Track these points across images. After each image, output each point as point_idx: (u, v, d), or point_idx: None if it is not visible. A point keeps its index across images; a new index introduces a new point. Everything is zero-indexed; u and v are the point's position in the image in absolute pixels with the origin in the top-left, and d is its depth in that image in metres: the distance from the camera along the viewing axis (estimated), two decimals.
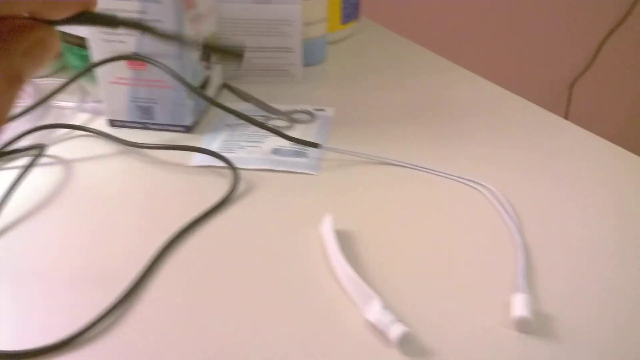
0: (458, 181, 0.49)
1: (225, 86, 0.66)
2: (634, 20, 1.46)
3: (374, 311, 0.34)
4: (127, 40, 0.53)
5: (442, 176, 0.50)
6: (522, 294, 0.35)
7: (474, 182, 0.48)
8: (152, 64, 0.53)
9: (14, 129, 0.57)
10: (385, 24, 0.88)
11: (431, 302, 0.36)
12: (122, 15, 0.22)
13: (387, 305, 0.35)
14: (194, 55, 0.56)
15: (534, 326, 0.34)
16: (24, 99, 0.63)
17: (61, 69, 0.73)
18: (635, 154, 0.53)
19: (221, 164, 0.52)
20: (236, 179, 0.49)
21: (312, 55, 0.73)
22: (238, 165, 0.51)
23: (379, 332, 0.34)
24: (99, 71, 0.56)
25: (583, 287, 0.37)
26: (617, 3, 1.44)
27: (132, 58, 0.53)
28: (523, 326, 0.33)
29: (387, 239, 0.42)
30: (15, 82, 0.20)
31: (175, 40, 0.21)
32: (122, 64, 0.55)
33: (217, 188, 0.49)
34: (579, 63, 1.51)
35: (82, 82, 0.67)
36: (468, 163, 0.52)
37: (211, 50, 0.22)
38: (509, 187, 0.48)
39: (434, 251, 0.41)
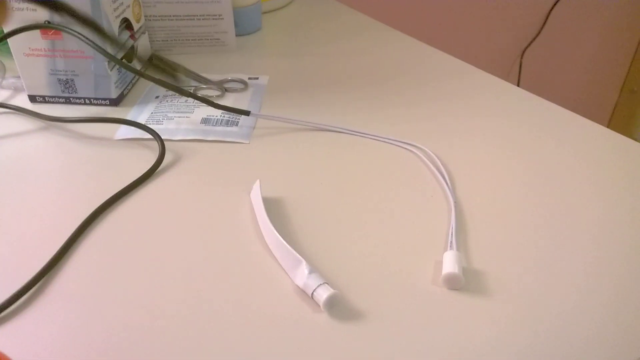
0: (391, 144, 0.47)
1: (155, 57, 0.62)
2: None
3: (302, 275, 0.32)
4: (38, 8, 0.49)
5: (375, 139, 0.47)
6: (451, 251, 0.33)
7: (407, 144, 0.46)
8: (66, 32, 0.49)
9: None
10: None
11: (362, 265, 0.34)
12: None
13: (317, 270, 0.33)
14: (113, 24, 0.51)
15: (463, 283, 0.32)
16: None
17: None
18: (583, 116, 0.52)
19: (147, 136, 0.48)
20: (162, 150, 0.45)
21: (246, 24, 0.69)
22: (165, 136, 0.48)
23: (308, 297, 0.32)
24: (12, 44, 0.51)
25: (512, 243, 0.36)
26: None
27: (44, 27, 0.49)
28: (452, 283, 0.32)
29: (319, 203, 0.40)
30: None
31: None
32: (36, 34, 0.50)
33: (143, 161, 0.45)
34: (529, 31, 1.51)
35: (1, 58, 0.62)
36: (403, 126, 0.50)
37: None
38: (444, 148, 0.46)
39: (365, 213, 0.39)
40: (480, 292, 0.32)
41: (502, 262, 0.34)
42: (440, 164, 0.43)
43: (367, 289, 0.32)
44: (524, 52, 1.54)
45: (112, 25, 0.51)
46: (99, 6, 0.48)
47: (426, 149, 0.45)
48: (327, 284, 0.31)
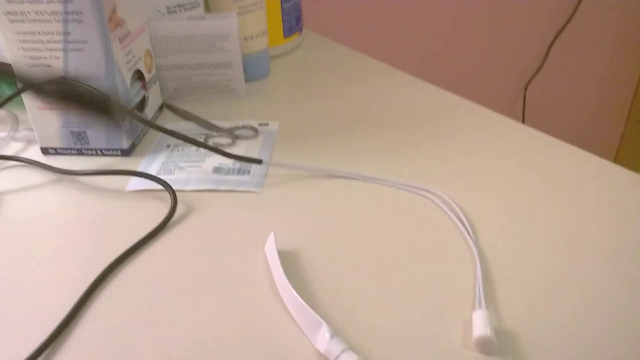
0: (407, 190, 0.44)
1: (165, 106, 0.61)
2: (579, 20, 1.46)
3: (323, 340, 0.29)
4: (53, 64, 0.47)
5: (390, 185, 0.45)
6: (481, 310, 0.30)
7: (424, 190, 0.44)
8: (80, 87, 0.47)
9: None
10: (329, 35, 0.83)
11: (386, 327, 0.31)
12: None
13: (338, 331, 0.30)
14: (126, 75, 0.50)
15: (497, 346, 0.29)
16: None
17: None
18: (590, 152, 0.49)
19: (159, 187, 0.46)
20: (174, 202, 0.43)
21: (255, 70, 0.67)
22: (177, 187, 0.46)
23: None
24: (26, 98, 0.49)
25: (544, 298, 0.33)
26: (562, 4, 1.43)
27: (60, 83, 0.47)
28: (485, 347, 0.29)
29: (336, 256, 0.37)
30: None
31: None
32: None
33: (155, 213, 0.43)
34: (531, 65, 1.50)
35: (13, 109, 0.60)
36: (417, 171, 0.47)
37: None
38: (461, 194, 0.44)
39: (385, 267, 0.36)
40: (515, 356, 0.29)
41: (536, 320, 0.31)
42: (458, 211, 0.41)
43: (393, 355, 0.29)
44: (527, 85, 1.52)
45: (125, 78, 0.49)
46: (112, 61, 0.47)
47: (442, 195, 0.43)
48: (351, 350, 0.28)
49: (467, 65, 1.43)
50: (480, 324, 0.29)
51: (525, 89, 1.54)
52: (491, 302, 0.32)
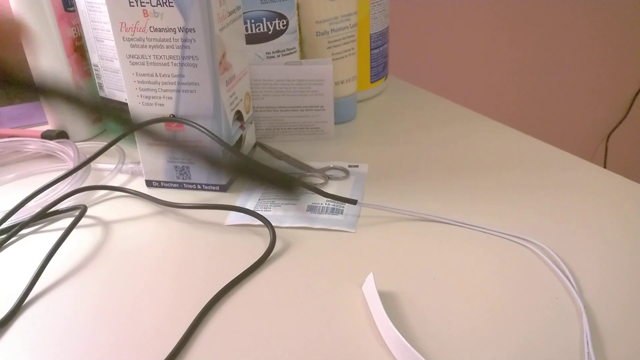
0: (505, 238, 0.44)
1: (259, 145, 0.64)
2: None
3: None
4: (165, 103, 0.51)
5: (487, 233, 0.45)
6: None
7: (522, 239, 0.44)
8: (188, 125, 0.51)
9: (56, 191, 0.54)
10: (413, 81, 0.85)
11: None
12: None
13: None
14: (229, 116, 0.53)
15: None
16: (65, 161, 0.62)
17: (101, 133, 0.71)
18: None
19: (257, 222, 0.48)
20: (273, 237, 0.45)
21: (343, 113, 0.70)
22: (274, 223, 0.48)
23: None
24: (138, 134, 0.53)
25: None
26: None
27: (170, 120, 0.51)
28: None
29: (434, 300, 0.38)
30: None
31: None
32: (160, 126, 0.52)
33: (253, 247, 0.45)
34: (614, 115, 1.47)
35: (120, 144, 0.65)
36: (512, 219, 0.47)
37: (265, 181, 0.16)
38: (560, 243, 0.43)
39: (486, 314, 0.36)
40: None
41: None
42: (559, 261, 0.40)
43: None
44: (609, 136, 1.48)
45: (229, 118, 0.53)
46: (219, 102, 0.50)
47: (541, 244, 0.42)
48: None
49: (549, 115, 1.41)
50: None
51: (608, 139, 1.50)
52: (600, 357, 0.32)
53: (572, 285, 0.37)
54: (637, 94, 1.43)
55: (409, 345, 0.31)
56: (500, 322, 0.35)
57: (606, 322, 0.35)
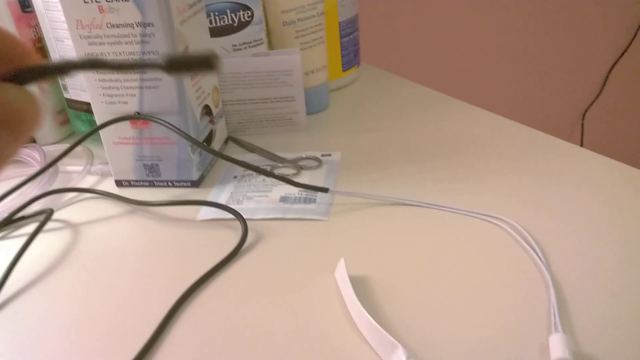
0: (475, 217, 0.45)
1: (230, 139, 0.64)
2: (637, 48, 1.44)
3: None
4: (129, 101, 0.51)
5: (458, 213, 0.46)
6: (558, 334, 0.30)
7: (492, 217, 0.45)
8: (155, 122, 0.51)
9: (22, 196, 0.54)
10: (386, 67, 0.86)
11: (461, 350, 0.32)
12: (71, 59, 0.16)
13: (412, 355, 0.31)
14: (196, 111, 0.53)
15: None
16: (33, 166, 0.61)
17: (70, 135, 0.71)
18: None
19: (229, 216, 0.49)
20: (245, 230, 0.45)
21: (315, 103, 0.70)
22: (246, 216, 0.48)
23: None
24: (104, 133, 0.53)
25: (623, 323, 0.33)
26: (621, 31, 1.42)
27: (134, 118, 0.51)
28: None
29: (406, 282, 0.38)
30: None
31: (151, 67, 0.16)
32: (125, 124, 0.52)
33: (225, 241, 0.45)
34: (589, 93, 1.48)
35: (88, 145, 0.65)
36: (484, 198, 0.48)
37: (179, 66, 0.16)
38: (530, 220, 0.44)
39: (457, 293, 0.37)
40: None
41: (615, 345, 0.31)
42: (528, 236, 0.41)
43: None
44: (585, 113, 1.50)
45: (195, 113, 0.53)
46: (184, 97, 0.50)
47: (511, 221, 0.43)
48: None
49: (524, 93, 1.43)
50: (558, 347, 0.29)
51: (583, 117, 1.52)
52: (567, 327, 0.33)
53: (541, 260, 0.38)
54: (610, 71, 1.45)
55: (378, 326, 0.32)
56: (470, 300, 0.36)
57: (572, 294, 0.35)
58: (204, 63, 0.15)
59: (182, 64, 0.16)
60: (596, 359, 0.30)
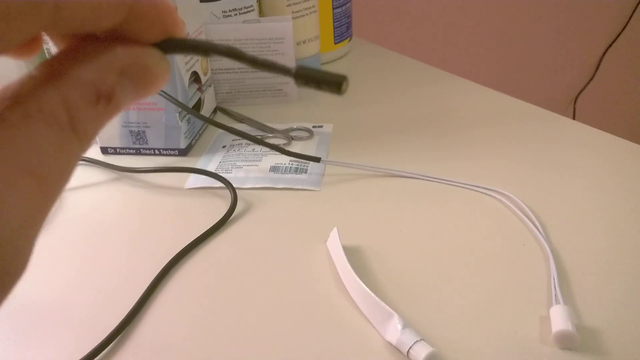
0: (471, 189, 0.44)
1: (219, 109, 0.62)
2: (632, 32, 1.43)
3: (395, 331, 0.29)
4: None
5: (453, 185, 0.45)
6: (560, 305, 0.29)
7: (489, 189, 0.43)
8: None
9: None
10: (379, 42, 0.84)
11: (459, 320, 0.31)
12: (215, 42, 0.16)
13: (408, 323, 0.30)
14: (184, 77, 0.51)
15: (579, 341, 0.28)
16: None
17: None
18: None
19: (218, 184, 0.47)
20: (235, 198, 0.44)
21: None
22: (235, 184, 0.46)
23: (401, 354, 0.29)
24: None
25: (623, 294, 0.32)
26: (614, 17, 1.41)
27: None
28: (566, 342, 0.28)
29: (401, 252, 0.37)
30: (105, 100, 0.14)
31: (281, 72, 0.16)
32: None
33: (214, 210, 0.44)
34: (581, 77, 1.47)
35: None
36: (479, 170, 0.47)
37: (305, 78, 0.15)
38: (527, 192, 0.43)
39: (454, 264, 0.36)
40: (598, 353, 0.28)
41: (616, 316, 0.30)
42: (528, 210, 0.40)
43: (468, 348, 0.29)
44: (577, 97, 1.49)
45: (184, 78, 0.51)
46: (172, 59, 0.48)
47: (509, 194, 0.42)
48: (424, 340, 0.28)
49: (516, 76, 1.42)
50: (560, 319, 0.28)
51: (575, 101, 1.51)
52: (568, 298, 0.31)
53: (539, 231, 0.37)
54: (603, 55, 1.44)
55: (373, 295, 0.31)
56: (467, 271, 0.35)
57: (572, 264, 0.34)
58: (334, 84, 0.15)
59: (312, 78, 0.15)
60: (598, 331, 0.29)
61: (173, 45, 0.16)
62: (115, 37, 0.15)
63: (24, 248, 0.13)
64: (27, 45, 0.15)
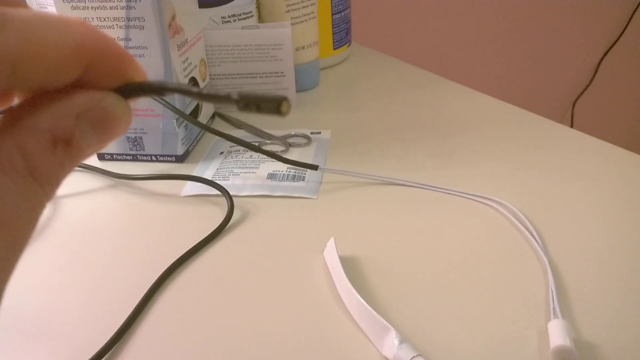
0: (469, 198, 0.43)
1: (217, 115, 0.61)
2: (630, 37, 1.43)
3: (392, 346, 0.28)
4: None
5: (451, 194, 0.44)
6: (558, 320, 0.29)
7: (486, 198, 0.43)
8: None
9: None
10: (378, 47, 0.83)
11: (456, 334, 0.30)
12: (167, 81, 0.17)
13: (405, 338, 0.29)
14: (183, 82, 0.51)
15: (578, 358, 0.28)
16: None
17: None
18: None
19: (214, 192, 0.46)
20: (231, 206, 0.43)
21: (305, 80, 0.68)
22: (232, 192, 0.46)
23: None
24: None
25: (623, 309, 0.31)
26: (612, 22, 1.41)
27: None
28: (564, 357, 0.27)
29: (399, 263, 0.37)
30: (63, 145, 0.15)
31: (224, 101, 0.16)
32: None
33: (210, 217, 0.43)
34: (580, 81, 1.47)
35: None
36: (477, 179, 0.46)
37: (248, 103, 0.16)
38: (525, 202, 0.42)
39: (451, 275, 0.35)
40: None
41: (617, 332, 0.30)
42: (525, 220, 0.39)
43: None
44: (575, 102, 1.49)
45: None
46: (170, 67, 0.48)
47: (507, 204, 0.42)
48: (421, 356, 0.28)
49: (514, 81, 1.41)
50: (558, 334, 0.28)
51: (574, 106, 1.51)
52: (566, 312, 0.31)
53: (537, 243, 0.37)
54: (601, 60, 1.44)
55: (370, 308, 0.30)
56: (465, 282, 0.34)
57: (571, 277, 0.34)
58: (274, 106, 0.15)
59: (253, 102, 0.15)
60: (598, 346, 0.29)
61: (130, 89, 0.17)
62: (75, 85, 0.15)
63: None
64: None
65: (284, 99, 0.15)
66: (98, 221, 0.44)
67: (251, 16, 0.62)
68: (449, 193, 0.44)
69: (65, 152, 0.15)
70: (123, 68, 0.16)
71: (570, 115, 1.52)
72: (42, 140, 0.14)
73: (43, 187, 0.14)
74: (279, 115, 0.15)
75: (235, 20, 0.61)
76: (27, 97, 0.16)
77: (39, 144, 0.14)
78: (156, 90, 0.17)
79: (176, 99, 0.49)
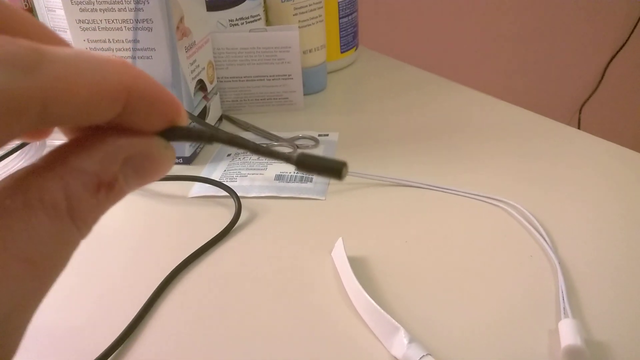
0: (477, 199, 0.43)
1: (225, 117, 0.61)
2: (635, 43, 1.42)
3: (401, 345, 0.28)
4: None
5: (460, 195, 0.44)
6: (569, 319, 0.29)
7: (495, 199, 0.43)
8: None
9: (7, 168, 0.51)
10: (385, 51, 0.83)
11: (466, 334, 0.30)
12: (218, 130, 0.16)
13: (415, 338, 0.29)
14: (190, 85, 0.51)
15: (589, 357, 0.27)
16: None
17: None
18: None
19: (222, 193, 0.46)
20: (239, 207, 0.43)
21: (313, 83, 0.68)
22: (240, 193, 0.46)
23: None
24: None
25: (634, 307, 0.31)
26: (618, 27, 1.40)
27: None
28: (575, 356, 0.27)
29: (407, 264, 0.36)
30: (106, 189, 0.15)
31: (283, 160, 0.16)
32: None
33: (218, 219, 0.43)
34: (586, 86, 1.47)
35: None
36: (485, 180, 0.46)
37: (307, 166, 0.15)
38: (533, 203, 0.42)
39: (460, 275, 0.35)
40: None
41: (628, 331, 0.29)
42: (535, 220, 0.39)
43: None
44: (581, 107, 1.48)
45: (190, 87, 0.50)
46: (178, 69, 0.48)
47: (516, 204, 0.41)
48: (431, 355, 0.27)
49: (521, 86, 1.41)
50: (569, 333, 0.27)
51: (580, 110, 1.50)
52: (577, 312, 0.31)
53: (547, 243, 0.36)
54: (608, 64, 1.44)
55: (379, 307, 0.30)
56: (474, 283, 0.34)
57: (581, 276, 0.33)
58: (333, 170, 0.15)
59: (313, 165, 0.15)
60: (608, 345, 0.28)
61: (178, 134, 0.16)
62: (121, 126, 0.15)
63: (13, 334, 0.13)
64: (33, 133, 0.16)
65: (344, 164, 0.15)
66: (105, 222, 0.44)
67: (259, 19, 0.62)
68: (457, 194, 0.44)
69: (107, 196, 0.15)
70: (167, 111, 0.16)
71: (577, 120, 1.51)
72: (88, 184, 0.14)
73: (80, 228, 0.14)
74: (337, 179, 0.15)
75: (243, 23, 0.61)
76: (71, 134, 0.15)
77: (84, 187, 0.14)
78: (206, 139, 0.16)
79: (184, 101, 0.49)
